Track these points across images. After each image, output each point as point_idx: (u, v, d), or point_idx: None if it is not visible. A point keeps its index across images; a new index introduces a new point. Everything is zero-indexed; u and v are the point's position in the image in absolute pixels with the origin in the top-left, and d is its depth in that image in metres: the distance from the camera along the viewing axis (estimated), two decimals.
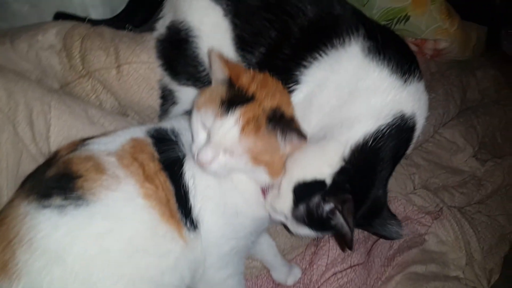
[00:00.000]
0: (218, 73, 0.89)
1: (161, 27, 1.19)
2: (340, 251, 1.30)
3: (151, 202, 0.83)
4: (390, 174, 0.97)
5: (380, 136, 0.91)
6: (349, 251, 1.31)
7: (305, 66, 0.99)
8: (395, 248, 1.38)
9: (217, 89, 0.88)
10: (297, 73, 0.99)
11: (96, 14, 1.56)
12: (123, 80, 1.25)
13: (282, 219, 0.96)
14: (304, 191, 0.90)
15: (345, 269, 1.28)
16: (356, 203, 0.88)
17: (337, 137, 0.92)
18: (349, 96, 0.95)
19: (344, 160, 0.91)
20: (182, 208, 0.88)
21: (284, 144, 0.87)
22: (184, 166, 0.90)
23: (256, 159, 0.85)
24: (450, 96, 1.86)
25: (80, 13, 1.53)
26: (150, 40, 1.23)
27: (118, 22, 1.42)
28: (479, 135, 1.84)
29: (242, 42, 1.07)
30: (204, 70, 1.12)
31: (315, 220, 0.92)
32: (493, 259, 1.53)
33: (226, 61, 0.87)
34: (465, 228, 1.50)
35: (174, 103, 1.20)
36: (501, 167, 1.75)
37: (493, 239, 1.57)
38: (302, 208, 0.91)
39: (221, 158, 0.85)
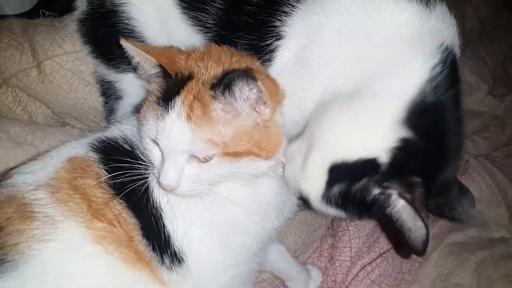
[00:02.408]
0: (147, 67, 0.75)
1: (80, 3, 1.02)
2: (365, 239, 1.15)
3: (106, 246, 0.70)
4: (463, 139, 0.81)
5: (439, 82, 0.73)
6: (375, 237, 1.16)
7: (286, 13, 0.81)
8: None
9: (151, 87, 0.76)
10: (277, 24, 0.82)
11: (12, 10, 1.44)
12: (49, 80, 1.09)
13: (302, 196, 0.83)
14: (347, 173, 0.74)
15: (374, 260, 1.14)
16: (426, 187, 0.72)
17: (381, 93, 0.73)
18: (367, 41, 0.77)
19: (404, 125, 0.72)
20: (155, 241, 0.74)
21: (250, 106, 0.69)
22: (150, 184, 0.76)
23: (228, 151, 0.70)
24: None
25: None
26: (72, 23, 1.06)
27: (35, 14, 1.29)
28: (491, 68, 1.72)
29: None
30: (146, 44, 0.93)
31: (355, 204, 0.77)
32: None
33: (147, 48, 0.74)
34: (498, 178, 1.40)
35: (118, 97, 1.05)
36: None
37: None
38: (337, 189, 0.76)
39: (189, 171, 0.71)
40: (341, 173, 0.74)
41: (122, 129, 0.83)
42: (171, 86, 0.72)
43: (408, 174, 0.71)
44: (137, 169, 0.75)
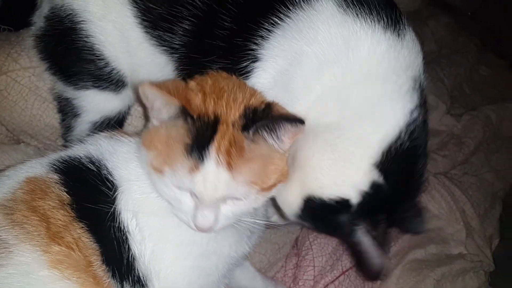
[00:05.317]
0: (165, 110, 0.70)
1: (38, 19, 0.99)
2: (328, 257, 1.16)
3: (63, 271, 0.68)
4: (425, 175, 0.84)
5: (415, 127, 0.77)
6: (338, 255, 1.17)
7: (262, 37, 0.80)
8: None
9: (171, 132, 0.70)
10: (253, 47, 0.80)
11: None
12: (3, 96, 1.05)
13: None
14: (320, 208, 0.78)
15: (337, 278, 1.15)
16: (389, 220, 0.78)
17: (363, 137, 0.76)
18: (348, 73, 0.77)
19: (376, 168, 0.76)
20: (115, 267, 0.73)
21: (278, 141, 0.73)
22: (117, 205, 0.75)
23: (264, 186, 0.72)
24: None
25: None
26: (29, 38, 1.04)
27: None
28: (448, 88, 1.76)
29: (152, 17, 0.86)
30: (106, 65, 0.93)
31: (325, 228, 0.85)
32: (491, 224, 1.47)
33: (168, 89, 0.69)
34: (457, 195, 1.42)
35: (75, 115, 1.01)
36: (478, 120, 1.69)
37: (486, 201, 1.50)
38: (309, 216, 0.81)
39: (225, 209, 0.72)
40: (315, 206, 0.78)
41: (87, 147, 0.81)
42: (200, 131, 0.69)
43: (374, 213, 0.77)
44: (103, 191, 0.74)
